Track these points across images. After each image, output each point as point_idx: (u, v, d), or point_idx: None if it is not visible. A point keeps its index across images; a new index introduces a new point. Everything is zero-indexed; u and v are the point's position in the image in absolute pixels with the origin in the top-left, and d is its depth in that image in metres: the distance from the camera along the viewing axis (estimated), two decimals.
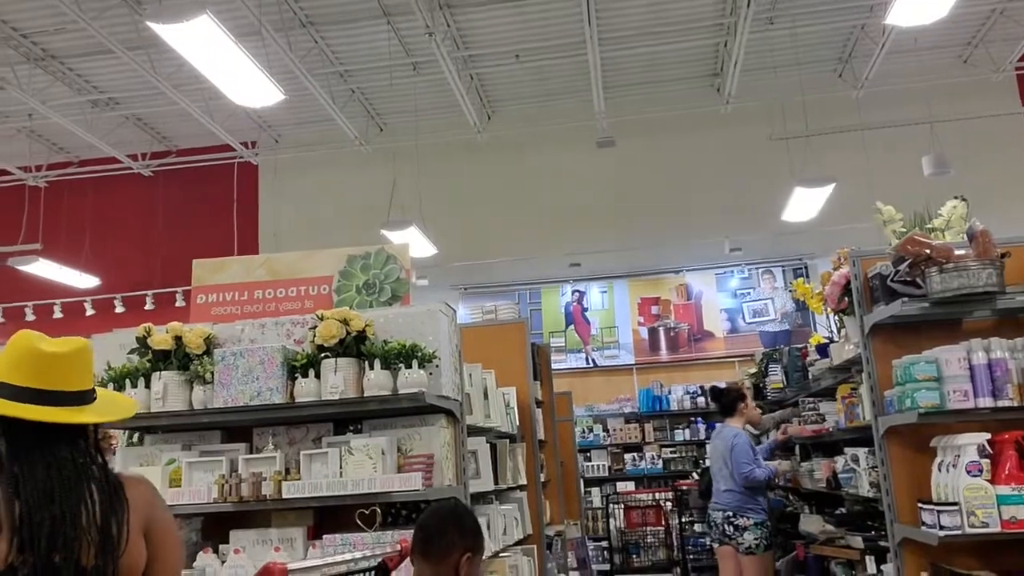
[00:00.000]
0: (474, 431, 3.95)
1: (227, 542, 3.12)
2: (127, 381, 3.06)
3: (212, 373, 2.99)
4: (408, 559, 2.36)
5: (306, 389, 2.94)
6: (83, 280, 10.36)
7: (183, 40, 5.22)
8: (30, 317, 10.62)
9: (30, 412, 1.54)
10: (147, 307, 10.40)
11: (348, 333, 2.92)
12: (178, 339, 3.06)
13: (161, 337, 3.08)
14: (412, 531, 2.36)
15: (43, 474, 1.50)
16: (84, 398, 1.62)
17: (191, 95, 9.21)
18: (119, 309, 10.62)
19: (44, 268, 9.83)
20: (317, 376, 2.95)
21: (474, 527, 2.37)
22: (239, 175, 11.14)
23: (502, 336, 5.59)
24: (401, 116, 10.73)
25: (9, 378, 1.55)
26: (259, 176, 11.26)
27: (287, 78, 8.35)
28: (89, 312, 10.50)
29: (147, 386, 3.06)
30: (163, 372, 3.04)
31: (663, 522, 9.01)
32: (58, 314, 10.45)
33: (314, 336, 2.94)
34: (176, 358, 3.06)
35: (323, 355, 2.95)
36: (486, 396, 4.32)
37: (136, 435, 3.50)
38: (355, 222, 9.91)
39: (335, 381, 2.87)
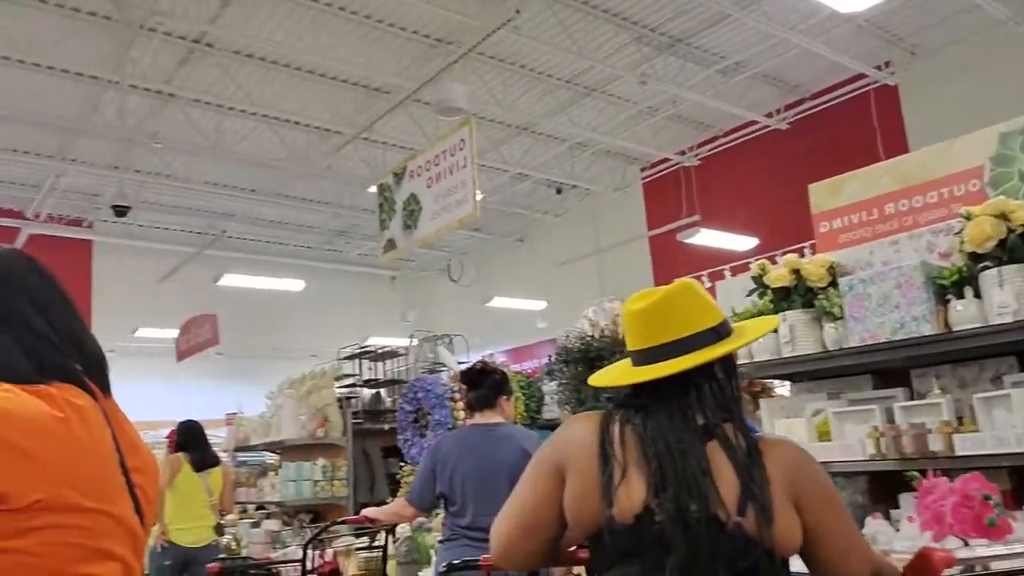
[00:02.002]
0: None
1: (897, 506, 2.61)
2: None
3: (840, 307, 2.54)
4: None
5: (964, 314, 2.24)
6: (743, 242, 10.84)
7: None
8: (707, 284, 11.59)
9: (630, 376, 1.47)
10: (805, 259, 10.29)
11: (1010, 231, 2.12)
12: (796, 273, 2.70)
13: (778, 273, 2.77)
14: None
15: (659, 426, 1.39)
16: (691, 344, 1.42)
17: (808, 33, 8.76)
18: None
19: (706, 237, 10.63)
20: (976, 295, 2.22)
21: None
22: (877, 102, 10.16)
23: None
24: None
25: (629, 345, 1.52)
26: (899, 96, 10.09)
27: None
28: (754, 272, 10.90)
29: (774, 330, 2.78)
30: (787, 312, 2.72)
31: None
32: (728, 277, 11.14)
33: (962, 243, 2.22)
34: (798, 294, 2.70)
35: (980, 266, 2.21)
36: None
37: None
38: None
39: (1002, 298, 2.11)
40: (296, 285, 13.45)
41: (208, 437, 5.62)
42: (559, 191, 13.73)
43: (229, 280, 12.41)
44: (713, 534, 1.28)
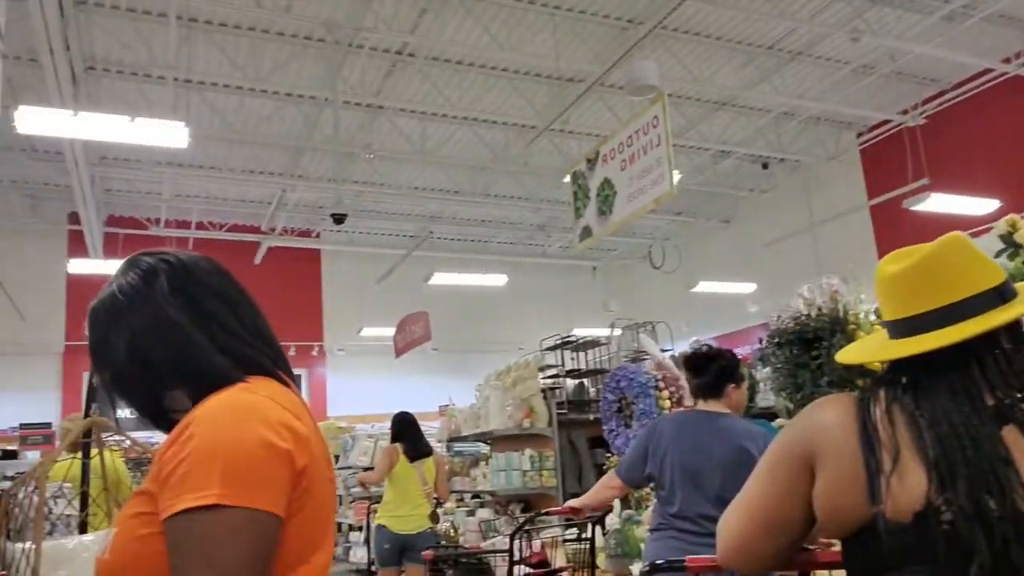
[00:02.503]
0: None
1: None
2: None
3: None
4: None
5: None
6: (981, 205, 9.62)
7: None
8: None
9: (892, 350, 1.24)
10: None
11: None
12: None
13: None
14: None
15: (938, 406, 1.17)
16: (969, 308, 1.19)
17: None
18: None
19: (937, 202, 9.54)
20: None
21: None
22: None
23: None
24: None
25: (886, 315, 1.30)
26: None
27: None
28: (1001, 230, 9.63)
29: None
30: None
31: None
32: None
33: None
34: None
35: None
36: None
37: None
38: None
39: None
40: (499, 280, 13.84)
41: (422, 428, 5.87)
42: (765, 166, 12.99)
43: (438, 279, 13.01)
44: (1022, 536, 1.05)
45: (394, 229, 15.00)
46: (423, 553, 3.75)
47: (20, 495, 3.87)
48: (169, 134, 6.36)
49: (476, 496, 6.83)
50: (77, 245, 12.56)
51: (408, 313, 11.41)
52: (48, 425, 8.20)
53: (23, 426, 7.83)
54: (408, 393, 13.97)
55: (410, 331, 10.62)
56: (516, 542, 3.32)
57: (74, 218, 12.18)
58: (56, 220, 13.00)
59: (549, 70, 9.69)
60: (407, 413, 5.84)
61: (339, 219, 9.49)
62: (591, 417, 5.98)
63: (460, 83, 10.04)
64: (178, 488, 0.96)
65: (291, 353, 14.21)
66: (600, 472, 5.47)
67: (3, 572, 3.51)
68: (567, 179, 6.25)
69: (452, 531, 5.33)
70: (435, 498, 5.50)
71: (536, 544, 3.54)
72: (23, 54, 8.18)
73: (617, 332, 7.21)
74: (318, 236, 15.04)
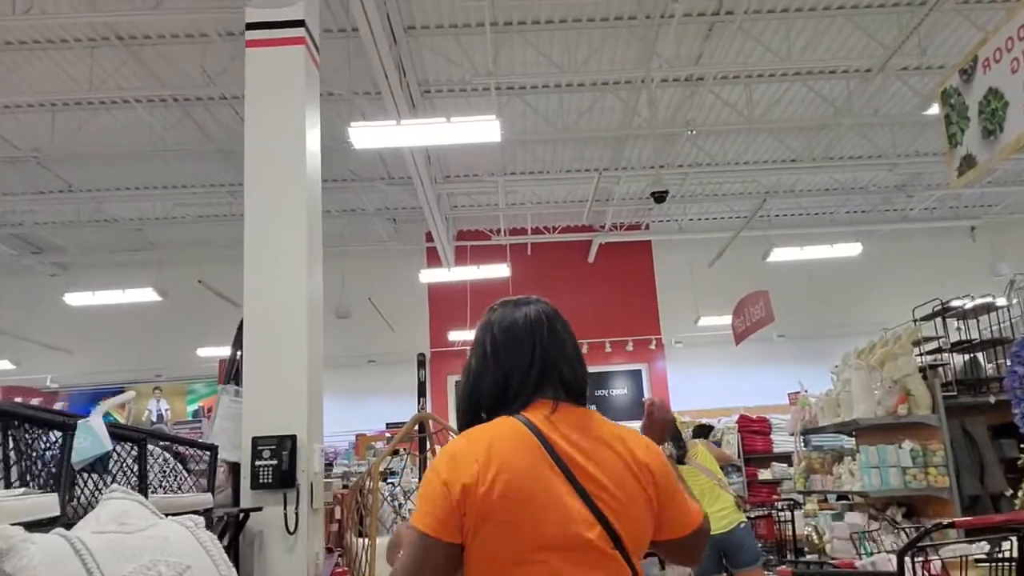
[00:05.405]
0: None
1: None
2: None
3: None
4: None
5: None
6: None
7: None
8: None
9: None
10: None
11: None
12: None
13: None
14: None
15: None
16: None
17: None
18: None
19: None
20: None
21: None
22: None
23: None
24: None
25: None
26: None
27: None
28: None
29: None
30: None
31: None
32: None
33: None
34: None
35: None
36: None
37: None
38: None
39: None
40: (853, 250, 12.19)
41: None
42: None
43: (777, 255, 11.84)
44: None
45: (725, 211, 14.11)
46: (779, 569, 3.08)
47: (364, 490, 3.93)
48: (483, 130, 6.43)
49: (843, 497, 5.83)
50: (433, 261, 13.73)
51: (745, 294, 10.51)
52: None
53: (388, 425, 8.63)
54: (753, 384, 13.01)
55: (749, 314, 9.72)
56: (908, 560, 2.51)
57: (429, 236, 13.31)
58: (414, 239, 14.35)
59: None
60: None
61: (660, 198, 8.99)
62: (991, 400, 4.73)
63: (788, 33, 8.95)
64: None
65: (628, 348, 14.07)
66: (1011, 468, 4.23)
67: (345, 569, 3.60)
68: (934, 107, 5.01)
69: (816, 536, 4.50)
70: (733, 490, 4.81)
71: (935, 564, 2.66)
72: (371, 89, 8.99)
73: (1015, 299, 5.73)
74: (647, 228, 14.72)
